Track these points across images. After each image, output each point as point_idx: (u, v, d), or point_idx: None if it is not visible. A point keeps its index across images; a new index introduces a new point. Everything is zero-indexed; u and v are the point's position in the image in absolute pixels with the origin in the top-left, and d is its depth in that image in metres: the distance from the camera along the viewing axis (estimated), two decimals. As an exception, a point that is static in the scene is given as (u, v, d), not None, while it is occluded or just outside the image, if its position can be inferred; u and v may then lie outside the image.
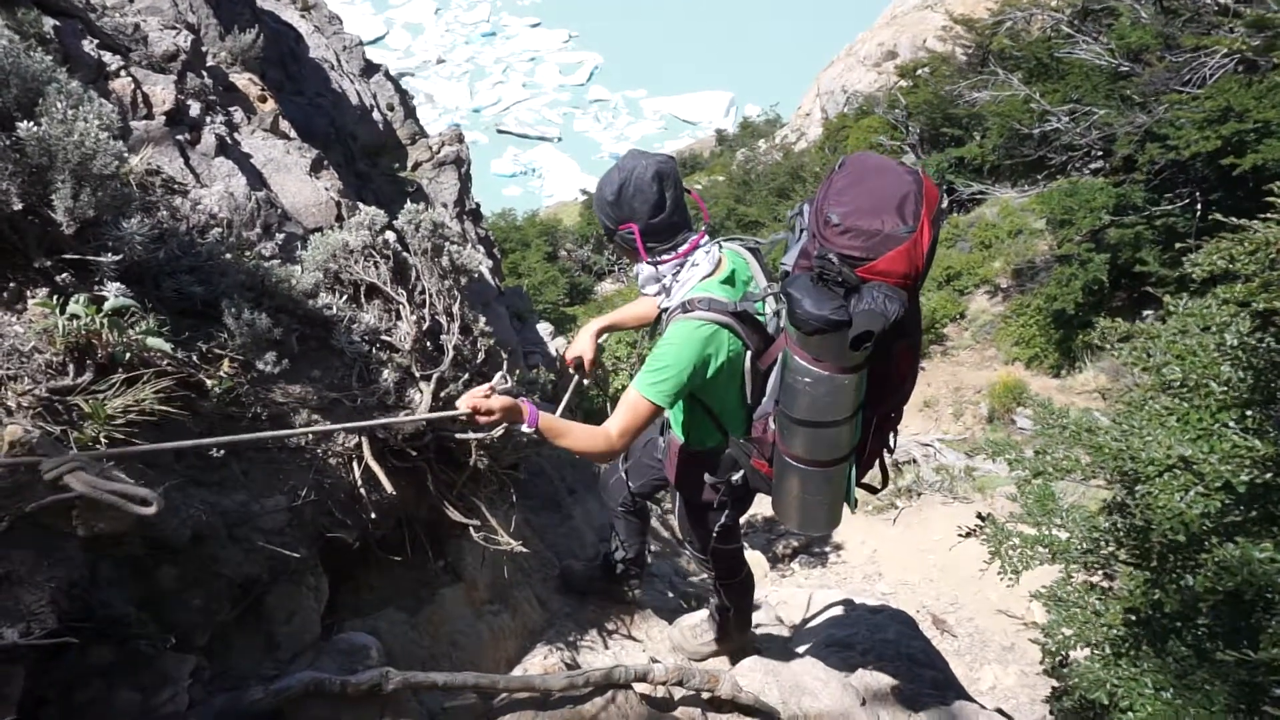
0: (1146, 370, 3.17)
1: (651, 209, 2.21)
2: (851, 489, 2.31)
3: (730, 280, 2.32)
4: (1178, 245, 10.71)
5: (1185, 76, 11.54)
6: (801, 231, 1.99)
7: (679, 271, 2.31)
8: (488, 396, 2.14)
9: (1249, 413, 2.79)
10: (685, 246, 2.28)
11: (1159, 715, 2.90)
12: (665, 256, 2.29)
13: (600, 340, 2.78)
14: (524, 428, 2.19)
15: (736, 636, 3.54)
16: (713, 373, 2.26)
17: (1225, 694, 2.83)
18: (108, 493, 1.50)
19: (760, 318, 2.31)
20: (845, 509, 2.37)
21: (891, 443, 2.40)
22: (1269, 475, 2.67)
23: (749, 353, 2.30)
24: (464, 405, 2.14)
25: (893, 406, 2.27)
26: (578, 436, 2.24)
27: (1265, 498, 2.76)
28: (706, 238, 2.36)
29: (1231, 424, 2.79)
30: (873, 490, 2.50)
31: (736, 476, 2.60)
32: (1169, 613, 3.15)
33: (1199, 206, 11.65)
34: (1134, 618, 3.36)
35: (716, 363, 2.25)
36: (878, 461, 2.45)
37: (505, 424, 2.20)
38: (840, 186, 1.88)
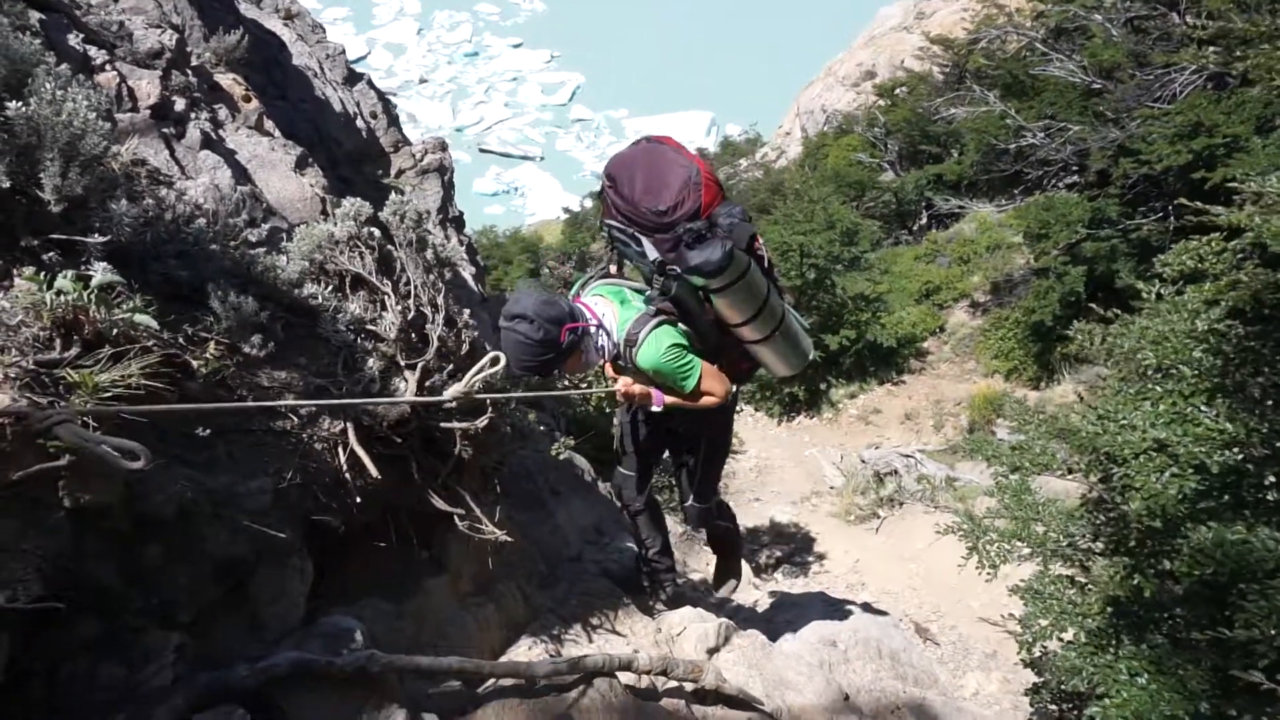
0: (1120, 361, 3.22)
1: (563, 316, 2.60)
2: (803, 324, 3.04)
3: (624, 303, 2.83)
4: (1155, 259, 10.89)
5: (1156, 93, 11.80)
6: (640, 239, 2.60)
7: (601, 328, 2.78)
8: (632, 382, 2.79)
9: (1220, 398, 2.85)
10: (588, 313, 2.74)
11: (1135, 701, 2.93)
12: (591, 327, 2.72)
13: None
14: (654, 407, 2.82)
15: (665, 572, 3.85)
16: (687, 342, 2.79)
17: (1199, 679, 2.87)
18: (96, 445, 1.51)
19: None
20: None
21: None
22: (1239, 457, 2.73)
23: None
24: (619, 386, 2.82)
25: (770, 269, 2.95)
26: (701, 400, 2.85)
27: (1237, 481, 2.81)
28: (584, 296, 2.87)
29: (1203, 408, 2.85)
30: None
31: None
32: (1146, 600, 3.19)
33: (1172, 220, 11.86)
34: (1111, 608, 3.40)
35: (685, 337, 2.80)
36: None
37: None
38: (641, 190, 2.52)
